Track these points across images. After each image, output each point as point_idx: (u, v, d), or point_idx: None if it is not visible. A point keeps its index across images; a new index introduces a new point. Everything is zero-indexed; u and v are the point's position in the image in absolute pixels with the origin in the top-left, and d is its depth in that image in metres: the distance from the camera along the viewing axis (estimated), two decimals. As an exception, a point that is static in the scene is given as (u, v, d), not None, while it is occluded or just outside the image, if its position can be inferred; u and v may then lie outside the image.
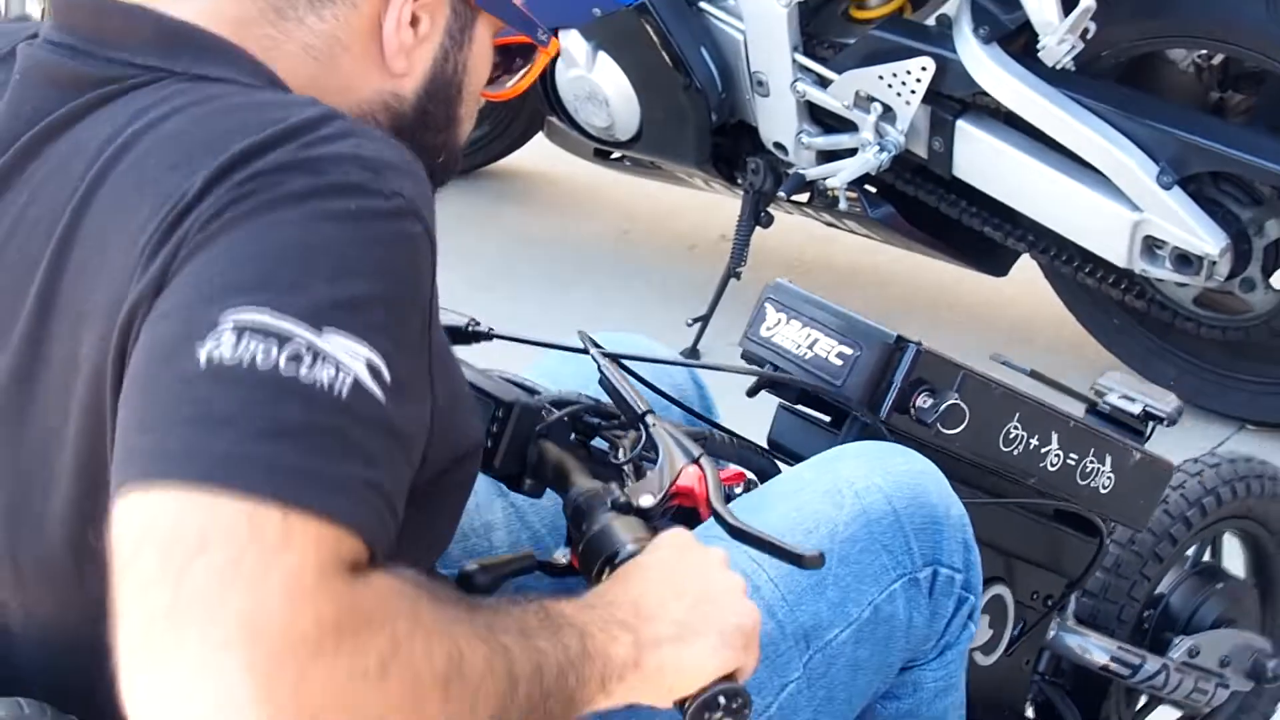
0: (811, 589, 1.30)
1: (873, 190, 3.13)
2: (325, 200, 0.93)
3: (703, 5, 3.11)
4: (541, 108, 3.44)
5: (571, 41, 3.20)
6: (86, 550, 0.98)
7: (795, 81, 3.01)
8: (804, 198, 3.19)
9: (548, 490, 1.34)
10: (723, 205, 3.52)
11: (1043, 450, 1.49)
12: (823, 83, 2.99)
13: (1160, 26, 2.78)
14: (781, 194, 3.13)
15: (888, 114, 2.91)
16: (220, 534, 0.84)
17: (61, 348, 0.98)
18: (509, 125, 3.84)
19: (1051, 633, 1.67)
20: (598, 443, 1.33)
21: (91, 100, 1.03)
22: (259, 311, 0.88)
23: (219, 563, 0.83)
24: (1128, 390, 1.67)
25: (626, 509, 1.15)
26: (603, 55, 3.18)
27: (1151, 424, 1.66)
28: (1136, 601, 1.81)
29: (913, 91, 2.87)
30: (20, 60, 1.08)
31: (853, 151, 2.99)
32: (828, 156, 3.06)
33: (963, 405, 1.42)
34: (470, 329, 1.47)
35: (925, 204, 3.07)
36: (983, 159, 2.89)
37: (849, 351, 1.41)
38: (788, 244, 3.59)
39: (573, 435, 1.31)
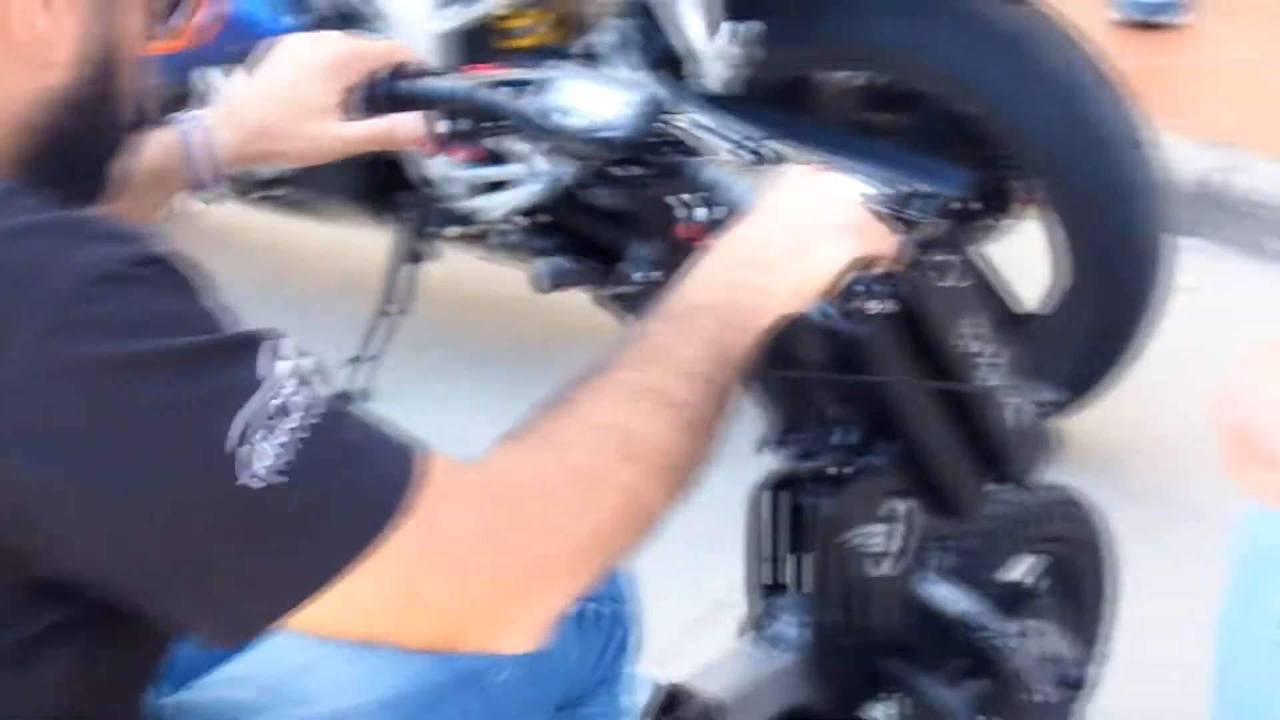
0: None
1: (547, 219, 3.02)
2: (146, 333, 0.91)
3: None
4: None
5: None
6: None
7: (442, 114, 2.86)
8: (460, 231, 3.06)
9: None
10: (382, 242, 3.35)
11: (979, 361, 1.52)
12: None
13: (814, 51, 2.77)
14: (430, 230, 2.99)
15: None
16: (386, 582, 0.94)
17: None
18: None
19: (918, 579, 1.74)
20: None
21: None
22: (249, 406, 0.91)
23: (405, 596, 0.95)
24: None
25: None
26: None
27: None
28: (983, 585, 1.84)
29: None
30: None
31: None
32: (482, 189, 2.93)
33: (962, 262, 1.42)
34: None
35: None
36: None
37: None
38: (465, 272, 3.43)
39: None
